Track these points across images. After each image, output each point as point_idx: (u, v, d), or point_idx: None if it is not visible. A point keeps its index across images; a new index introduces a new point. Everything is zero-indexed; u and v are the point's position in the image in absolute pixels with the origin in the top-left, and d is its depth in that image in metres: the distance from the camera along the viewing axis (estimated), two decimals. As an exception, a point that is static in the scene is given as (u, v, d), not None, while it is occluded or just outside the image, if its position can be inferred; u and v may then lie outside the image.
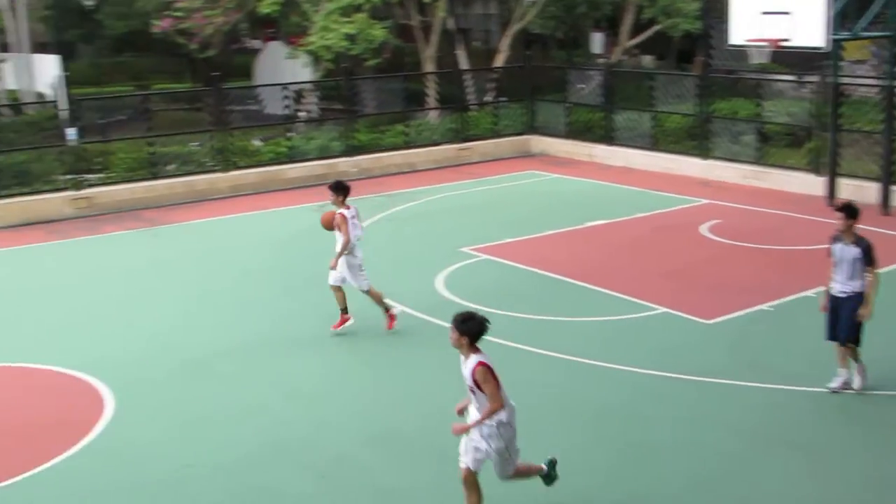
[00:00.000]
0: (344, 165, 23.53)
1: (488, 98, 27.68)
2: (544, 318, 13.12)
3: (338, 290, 12.54)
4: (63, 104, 22.08)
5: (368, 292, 12.61)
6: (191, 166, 22.35)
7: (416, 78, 27.85)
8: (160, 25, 28.14)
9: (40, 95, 32.78)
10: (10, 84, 32.82)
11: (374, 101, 26.42)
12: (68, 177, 20.80)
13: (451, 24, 29.59)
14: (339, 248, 12.30)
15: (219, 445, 9.73)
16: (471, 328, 7.39)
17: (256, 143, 24.00)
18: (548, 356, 11.76)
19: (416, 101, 26.68)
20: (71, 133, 20.66)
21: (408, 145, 24.96)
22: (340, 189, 12.41)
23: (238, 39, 40.07)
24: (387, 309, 12.72)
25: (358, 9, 25.08)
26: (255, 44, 42.12)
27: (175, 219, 19.76)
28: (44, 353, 12.25)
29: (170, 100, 29.15)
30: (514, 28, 28.98)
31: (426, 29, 28.53)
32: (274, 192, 22.01)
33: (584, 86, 26.67)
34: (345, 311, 12.66)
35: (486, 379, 7.39)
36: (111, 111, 27.63)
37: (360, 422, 10.18)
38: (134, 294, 14.84)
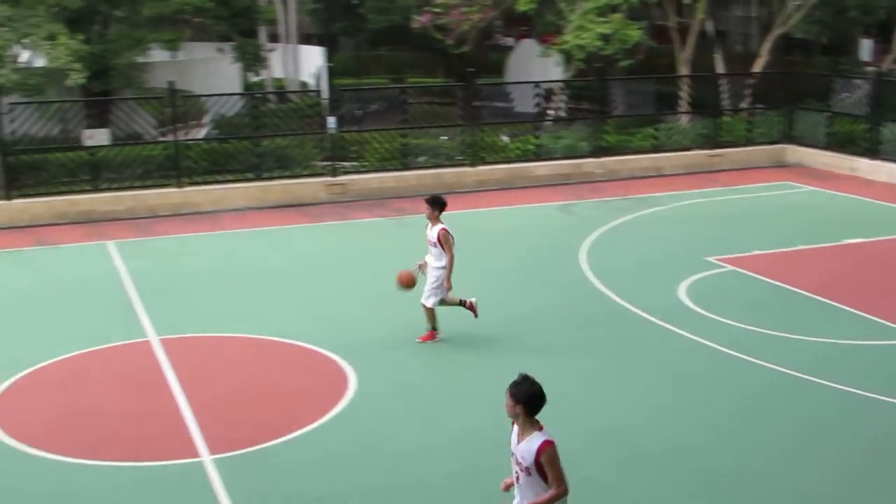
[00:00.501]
0: (590, 166, 23.38)
1: (744, 104, 26.70)
2: (792, 336, 12.47)
3: (444, 302, 12.36)
4: (325, 94, 23.14)
5: (424, 306, 12.30)
6: (440, 159, 22.88)
7: (668, 80, 27.27)
8: (419, 21, 28.95)
9: (303, 84, 34.64)
10: (277, 73, 34.80)
11: (625, 103, 26.10)
12: (325, 163, 21.79)
13: (709, 26, 28.78)
14: (438, 262, 12.09)
15: (453, 428, 9.89)
16: (527, 394, 6.28)
17: (504, 139, 24.26)
18: (796, 377, 11.17)
19: (667, 104, 26.13)
20: (331, 122, 21.60)
21: (656, 149, 24.46)
22: (438, 203, 12.16)
23: (491, 36, 40.73)
24: (433, 328, 12.41)
25: (615, 9, 24.84)
26: (508, 41, 42.67)
27: (423, 209, 20.19)
28: (295, 328, 12.86)
29: (422, 93, 29.96)
30: (776, 32, 27.83)
31: (683, 30, 27.87)
32: (519, 188, 22.16)
33: (848, 94, 25.26)
34: (462, 302, 12.51)
35: (554, 461, 6.27)
36: (367, 102, 28.75)
37: (587, 420, 10.08)
38: (379, 279, 15.28)
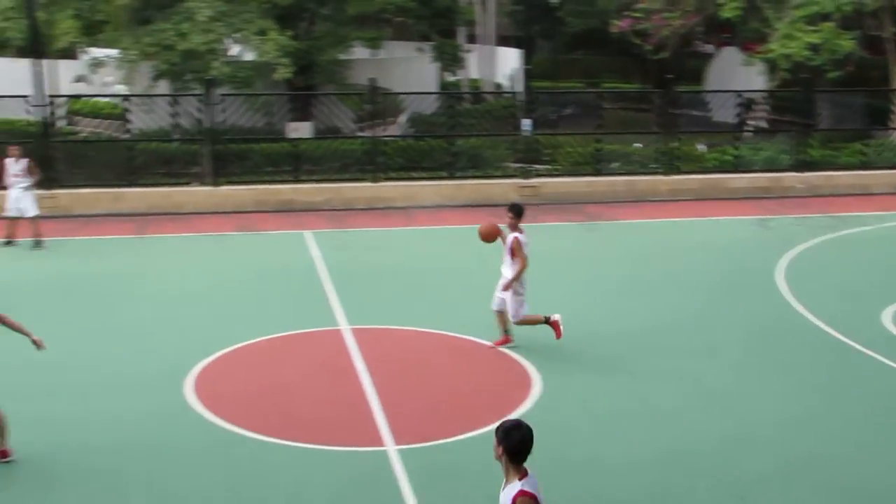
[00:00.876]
0: (790, 180, 22.48)
1: (965, 122, 25.06)
2: None
3: (501, 314, 12.12)
4: (521, 96, 23.21)
5: (520, 322, 12.01)
6: (633, 166, 22.55)
7: (881, 94, 25.89)
8: (619, 25, 28.64)
9: (498, 86, 34.85)
10: (473, 73, 35.15)
11: (831, 116, 24.98)
12: (518, 165, 21.83)
13: (929, 37, 27.13)
14: (509, 272, 11.82)
15: (630, 442, 9.70)
16: (509, 442, 5.66)
17: (701, 148, 23.68)
18: None
19: (878, 118, 24.79)
20: (526, 124, 21.63)
21: (864, 166, 23.26)
22: (519, 211, 11.90)
23: (691, 43, 39.80)
24: (546, 320, 12.10)
25: (826, 17, 23.81)
26: (708, 48, 41.61)
27: (614, 216, 20.01)
28: (481, 327, 12.81)
29: (617, 98, 29.64)
30: None
31: (900, 42, 26.42)
32: (714, 200, 21.53)
33: None
34: (507, 331, 12.22)
35: None
36: (562, 105, 28.66)
37: (784, 449, 9.64)
38: (561, 283, 15.21)
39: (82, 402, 10.54)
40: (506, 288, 11.88)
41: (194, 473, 9.01)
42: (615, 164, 22.54)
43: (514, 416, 10.21)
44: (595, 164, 22.21)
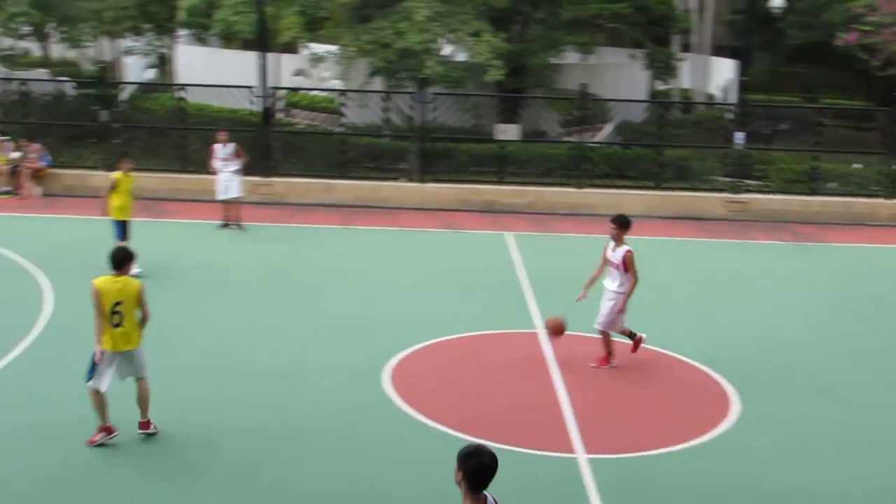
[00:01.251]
0: None
1: None
2: None
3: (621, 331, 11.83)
4: (735, 108, 22.51)
5: (602, 333, 11.73)
6: (852, 187, 21.48)
7: None
8: (845, 39, 27.34)
9: (710, 97, 33.99)
10: (685, 83, 34.41)
11: None
12: (727, 179, 21.19)
13: None
14: (616, 286, 11.50)
15: (831, 475, 9.22)
16: (470, 466, 5.31)
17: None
18: None
19: None
20: (739, 137, 20.97)
21: None
22: (625, 223, 11.60)
23: (923, 60, 37.61)
24: (608, 353, 11.85)
25: None
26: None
27: (827, 238, 19.10)
28: (681, 343, 12.59)
29: (837, 115, 28.32)
30: None
31: None
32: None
33: None
34: (632, 335, 11.95)
35: None
36: (777, 120, 27.62)
37: None
38: (768, 303, 14.67)
39: (283, 385, 10.92)
40: (621, 308, 11.64)
41: (386, 462, 9.19)
42: (832, 184, 21.53)
43: (709, 437, 9.92)
44: (810, 183, 21.27)
